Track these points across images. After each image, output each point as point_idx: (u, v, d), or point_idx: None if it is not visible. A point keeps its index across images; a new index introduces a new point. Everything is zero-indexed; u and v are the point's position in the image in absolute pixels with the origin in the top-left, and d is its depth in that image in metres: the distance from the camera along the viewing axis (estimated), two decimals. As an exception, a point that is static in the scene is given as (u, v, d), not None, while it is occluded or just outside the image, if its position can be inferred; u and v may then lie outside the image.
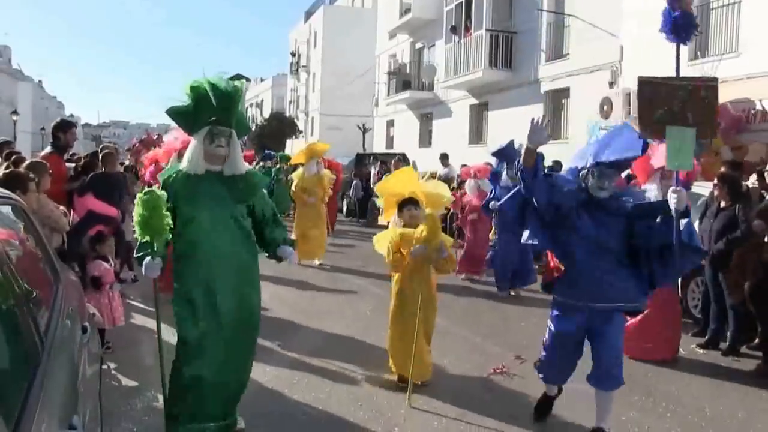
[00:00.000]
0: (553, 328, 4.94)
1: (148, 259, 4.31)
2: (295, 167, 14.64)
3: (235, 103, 4.52)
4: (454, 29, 25.14)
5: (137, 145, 13.75)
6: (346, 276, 11.84)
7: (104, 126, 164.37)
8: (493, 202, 10.05)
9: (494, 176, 10.42)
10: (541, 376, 5.20)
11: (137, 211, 4.20)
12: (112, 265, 7.22)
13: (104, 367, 5.59)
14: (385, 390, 5.96)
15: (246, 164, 4.84)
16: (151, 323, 7.20)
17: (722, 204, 7.51)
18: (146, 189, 4.27)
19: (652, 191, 6.51)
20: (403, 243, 5.75)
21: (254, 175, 4.88)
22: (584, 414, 5.19)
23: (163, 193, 4.29)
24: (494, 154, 10.34)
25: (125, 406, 5.37)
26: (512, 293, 10.47)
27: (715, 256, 7.37)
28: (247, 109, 67.01)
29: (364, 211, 22.47)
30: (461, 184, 14.10)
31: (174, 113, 4.58)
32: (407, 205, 5.89)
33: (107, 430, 4.64)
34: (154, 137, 13.56)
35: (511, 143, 9.88)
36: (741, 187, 7.60)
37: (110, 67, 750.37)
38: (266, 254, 4.93)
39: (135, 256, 4.51)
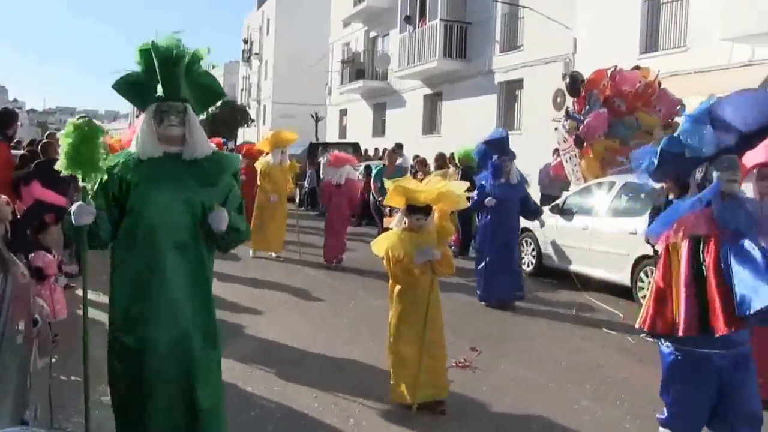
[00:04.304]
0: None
1: (77, 203, 3.48)
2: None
3: (177, 68, 3.69)
4: (408, 19, 25.12)
5: None
6: (300, 267, 11.76)
7: (50, 112, 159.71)
8: (489, 198, 8.99)
9: (495, 170, 9.11)
10: None
11: (64, 140, 3.54)
12: (55, 256, 7.01)
13: (53, 360, 5.44)
14: (340, 381, 5.93)
15: (213, 145, 4.02)
16: (98, 315, 7.04)
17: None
18: (80, 116, 3.68)
19: (746, 193, 5.70)
20: (403, 247, 5.18)
21: (222, 155, 4.02)
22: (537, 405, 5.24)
23: (101, 126, 3.67)
24: (486, 143, 9.29)
25: (75, 399, 5.24)
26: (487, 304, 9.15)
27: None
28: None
29: (317, 201, 22.34)
30: (415, 174, 14.17)
31: (122, 86, 3.82)
32: (418, 212, 5.22)
33: (57, 425, 4.52)
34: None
35: (506, 135, 9.22)
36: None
37: (57, 51, 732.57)
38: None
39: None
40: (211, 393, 3.77)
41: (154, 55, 3.62)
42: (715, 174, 3.80)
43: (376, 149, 23.80)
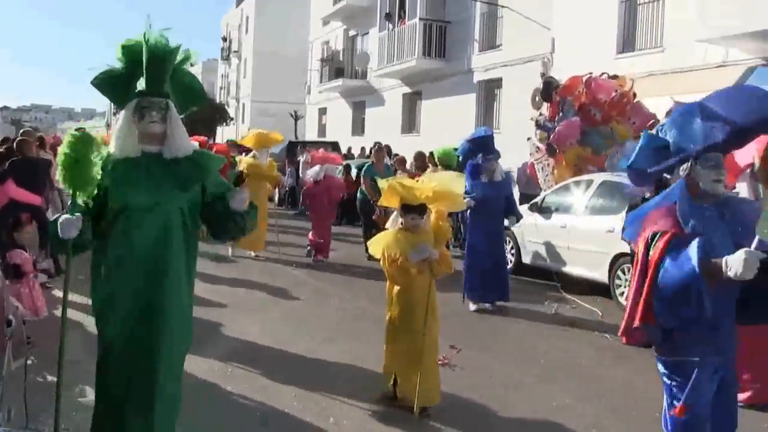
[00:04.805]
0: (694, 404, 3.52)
1: (65, 215, 3.45)
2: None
3: (166, 64, 3.63)
4: (389, 16, 25.16)
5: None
6: (280, 266, 11.71)
7: (24, 109, 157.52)
8: (467, 199, 8.53)
9: (474, 169, 9.01)
10: None
11: (63, 151, 3.48)
12: (31, 255, 6.93)
13: (28, 362, 5.38)
14: (321, 380, 5.92)
15: (194, 144, 3.94)
16: (75, 315, 6.98)
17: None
18: (77, 128, 3.62)
19: (741, 192, 5.78)
20: (399, 247, 5.11)
21: (204, 155, 3.90)
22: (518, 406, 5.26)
23: (98, 137, 3.58)
24: (470, 141, 9.16)
25: (52, 401, 5.18)
26: (477, 306, 8.99)
27: None
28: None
29: (296, 200, 22.27)
30: (395, 172, 14.14)
31: (101, 83, 3.72)
32: (413, 212, 5.15)
33: (33, 426, 4.47)
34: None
35: (491, 133, 9.18)
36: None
37: (33, 47, 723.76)
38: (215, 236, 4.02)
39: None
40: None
41: (144, 50, 3.55)
42: (700, 172, 3.51)
43: (362, 149, 23.75)
